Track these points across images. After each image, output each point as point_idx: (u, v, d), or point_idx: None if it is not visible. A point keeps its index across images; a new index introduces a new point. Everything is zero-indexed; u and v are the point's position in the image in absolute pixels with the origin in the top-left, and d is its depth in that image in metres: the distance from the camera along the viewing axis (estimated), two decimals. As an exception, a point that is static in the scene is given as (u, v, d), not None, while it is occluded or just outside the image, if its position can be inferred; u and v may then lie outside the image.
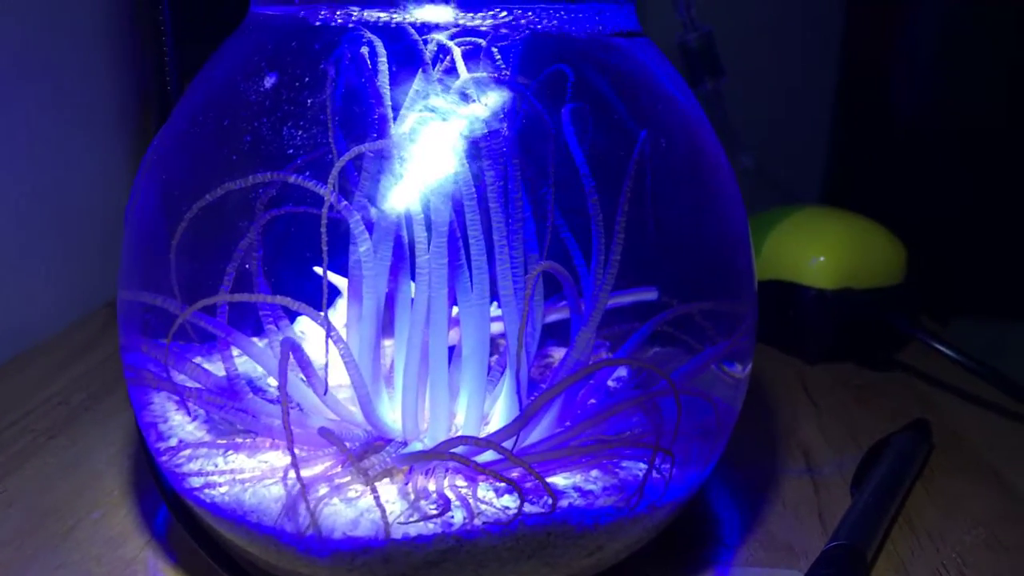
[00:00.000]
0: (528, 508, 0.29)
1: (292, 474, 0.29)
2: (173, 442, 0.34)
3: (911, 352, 0.57)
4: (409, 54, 0.29)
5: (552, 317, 0.39)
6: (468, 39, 0.30)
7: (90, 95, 0.64)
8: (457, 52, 0.29)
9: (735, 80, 0.65)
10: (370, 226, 0.31)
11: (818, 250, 0.56)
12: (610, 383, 0.39)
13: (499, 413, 0.34)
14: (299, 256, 0.33)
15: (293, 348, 0.29)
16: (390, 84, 0.30)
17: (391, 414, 0.34)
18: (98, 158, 0.66)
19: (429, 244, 0.32)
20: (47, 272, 0.60)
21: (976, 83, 0.69)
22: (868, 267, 0.55)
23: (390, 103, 0.30)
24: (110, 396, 0.49)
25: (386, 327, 0.36)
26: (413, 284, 0.33)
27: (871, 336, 0.55)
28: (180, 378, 0.33)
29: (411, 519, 0.28)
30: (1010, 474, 0.42)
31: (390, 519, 0.28)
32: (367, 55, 0.29)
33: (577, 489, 0.31)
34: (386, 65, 0.29)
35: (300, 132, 0.29)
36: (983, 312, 0.71)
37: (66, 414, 0.47)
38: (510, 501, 0.30)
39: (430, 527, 0.28)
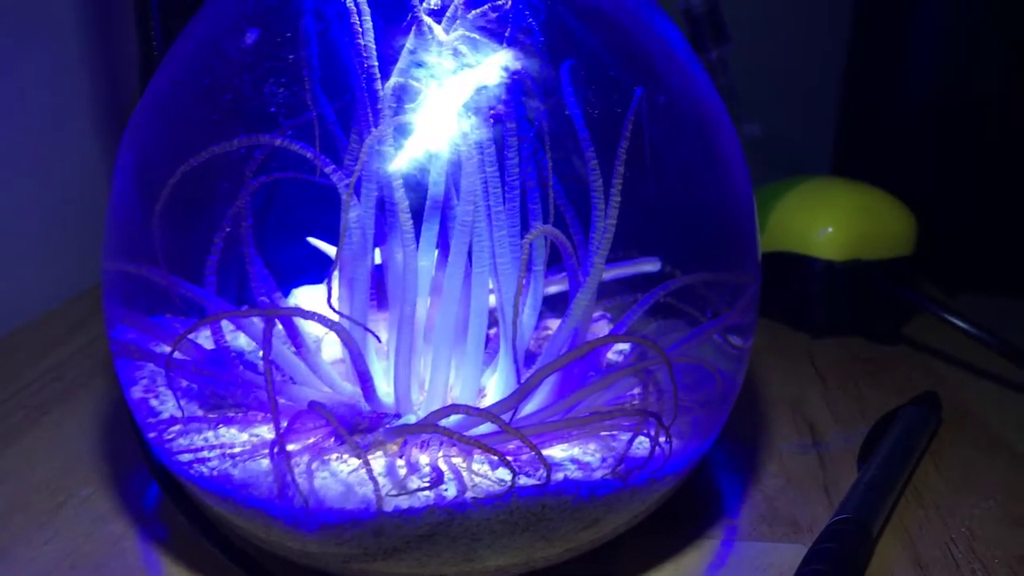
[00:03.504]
0: (524, 480, 0.28)
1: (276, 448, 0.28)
2: (164, 416, 0.33)
3: (920, 325, 0.56)
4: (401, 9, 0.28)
5: (552, 289, 0.38)
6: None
7: (82, 70, 0.63)
8: (433, 24, 0.28)
9: (745, 49, 0.63)
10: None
11: (826, 221, 0.54)
12: (614, 356, 0.39)
13: (495, 386, 0.34)
14: (285, 219, 0.33)
15: (280, 318, 0.28)
16: (380, 40, 0.29)
17: (385, 387, 0.33)
18: (92, 134, 0.65)
19: (423, 211, 0.31)
20: (42, 249, 0.60)
21: (989, 55, 0.68)
22: (878, 238, 0.54)
23: (376, 61, 0.28)
24: (104, 373, 0.49)
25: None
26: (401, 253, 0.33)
27: (880, 308, 0.54)
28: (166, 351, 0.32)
29: (394, 493, 0.27)
30: (1021, 447, 0.41)
31: (382, 492, 0.27)
32: (353, 10, 0.28)
33: (574, 461, 0.30)
34: (370, 21, 0.28)
35: (281, 90, 0.28)
36: (991, 287, 0.70)
37: (60, 390, 0.47)
38: (506, 473, 0.29)
39: (420, 499, 0.27)
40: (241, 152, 0.28)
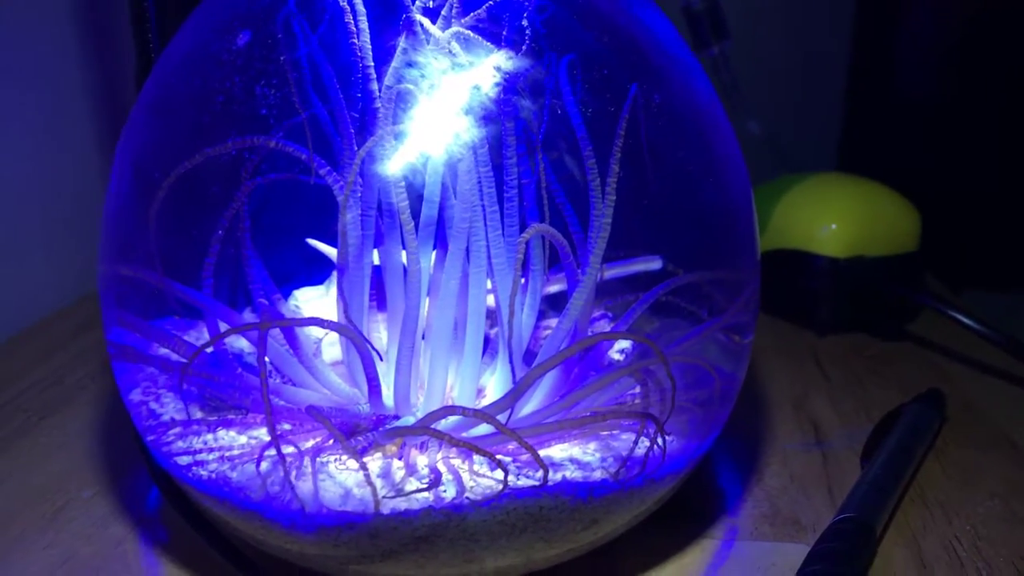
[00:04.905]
0: (523, 481, 0.28)
1: (272, 451, 0.28)
2: (165, 419, 0.33)
3: (924, 321, 0.56)
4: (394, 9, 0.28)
5: (551, 288, 0.38)
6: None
7: (82, 72, 0.63)
8: (427, 23, 0.28)
9: (749, 45, 0.63)
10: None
11: (830, 217, 0.54)
12: (616, 355, 0.38)
13: (494, 385, 0.33)
14: (280, 222, 0.32)
15: (275, 320, 0.28)
16: (379, 43, 0.29)
17: (384, 388, 0.33)
18: (93, 135, 0.65)
19: (416, 213, 0.31)
20: (44, 252, 0.60)
21: (993, 49, 0.67)
22: (881, 234, 0.54)
23: (372, 62, 0.28)
24: (106, 376, 0.49)
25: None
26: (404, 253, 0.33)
27: (884, 305, 0.54)
28: (165, 353, 0.32)
29: (391, 495, 0.27)
30: (1026, 444, 0.41)
31: (379, 495, 0.27)
32: (347, 10, 0.28)
33: (574, 461, 0.30)
34: (366, 22, 0.28)
35: (272, 92, 0.28)
36: (996, 282, 0.70)
37: (61, 394, 0.47)
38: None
39: (418, 501, 0.27)
40: (233, 154, 0.28)
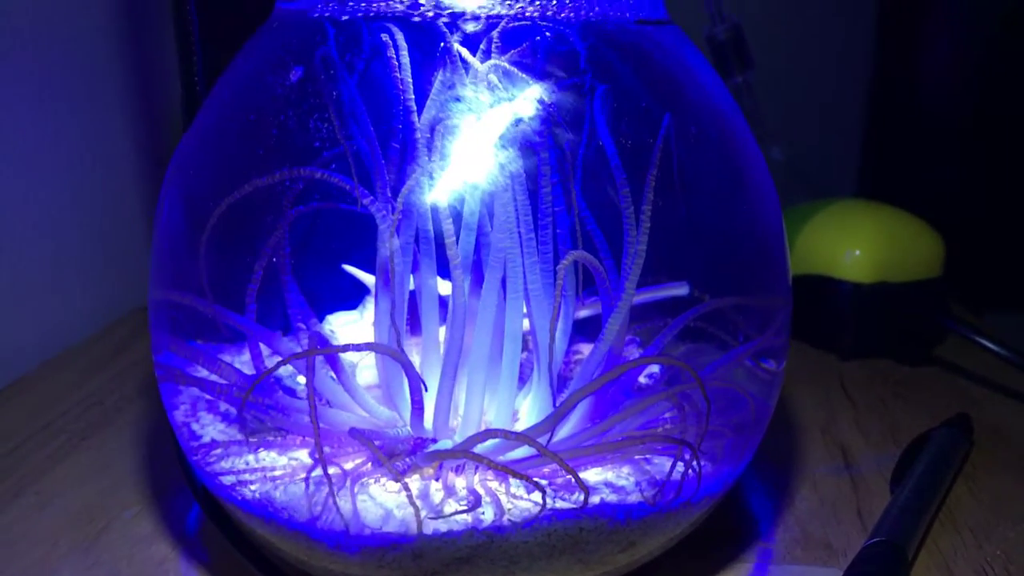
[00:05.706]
0: (560, 504, 0.29)
1: (318, 471, 0.28)
2: (206, 440, 0.34)
3: (950, 346, 0.56)
4: (436, 45, 0.29)
5: (581, 314, 0.39)
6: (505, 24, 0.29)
7: (123, 99, 0.65)
8: (466, 52, 0.29)
9: (769, 72, 0.64)
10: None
11: (854, 243, 0.54)
12: (643, 380, 0.39)
13: (528, 410, 0.34)
14: (323, 249, 0.33)
15: (321, 344, 0.29)
16: (420, 77, 0.30)
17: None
18: (130, 162, 0.66)
19: (457, 238, 0.32)
20: (82, 274, 0.61)
21: (1012, 73, 0.68)
22: (905, 260, 0.54)
23: (413, 95, 0.29)
24: (144, 397, 0.50)
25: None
26: (441, 280, 0.33)
27: (909, 331, 0.54)
28: (209, 376, 0.33)
29: (432, 516, 0.28)
30: (1056, 469, 0.41)
31: (422, 516, 0.28)
32: (389, 45, 0.29)
33: (608, 485, 0.30)
34: (407, 56, 0.29)
35: (324, 126, 0.29)
36: (1017, 304, 0.70)
37: (100, 415, 0.48)
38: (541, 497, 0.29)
39: (459, 522, 0.28)
40: (284, 184, 0.29)
